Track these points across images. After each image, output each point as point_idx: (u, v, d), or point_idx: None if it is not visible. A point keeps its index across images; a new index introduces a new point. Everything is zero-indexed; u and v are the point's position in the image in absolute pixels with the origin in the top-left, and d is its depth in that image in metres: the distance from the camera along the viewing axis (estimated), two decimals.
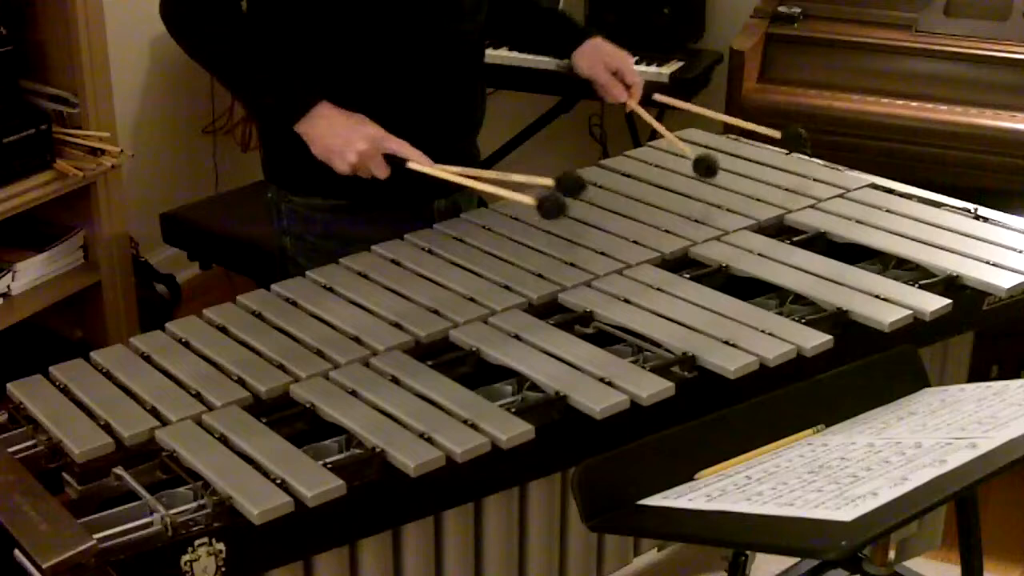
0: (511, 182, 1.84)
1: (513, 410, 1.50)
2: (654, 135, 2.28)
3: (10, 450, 1.46)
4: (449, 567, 1.51)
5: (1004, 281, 1.79)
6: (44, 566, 1.23)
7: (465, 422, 1.46)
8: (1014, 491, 2.84)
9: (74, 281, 3.05)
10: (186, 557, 1.29)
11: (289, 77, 1.89)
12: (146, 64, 3.65)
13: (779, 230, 1.99)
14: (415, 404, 1.50)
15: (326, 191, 2.02)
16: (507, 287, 1.79)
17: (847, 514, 1.13)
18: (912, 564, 2.26)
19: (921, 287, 1.77)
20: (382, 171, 1.84)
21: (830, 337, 1.64)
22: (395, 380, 1.56)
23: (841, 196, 2.09)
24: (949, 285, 1.79)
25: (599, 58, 2.12)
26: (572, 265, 1.85)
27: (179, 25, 1.91)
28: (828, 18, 3.09)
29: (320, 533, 1.38)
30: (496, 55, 3.15)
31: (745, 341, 1.63)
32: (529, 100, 3.36)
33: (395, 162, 1.85)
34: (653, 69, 3.22)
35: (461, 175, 1.87)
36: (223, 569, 1.31)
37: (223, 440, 1.44)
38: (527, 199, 1.80)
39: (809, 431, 1.42)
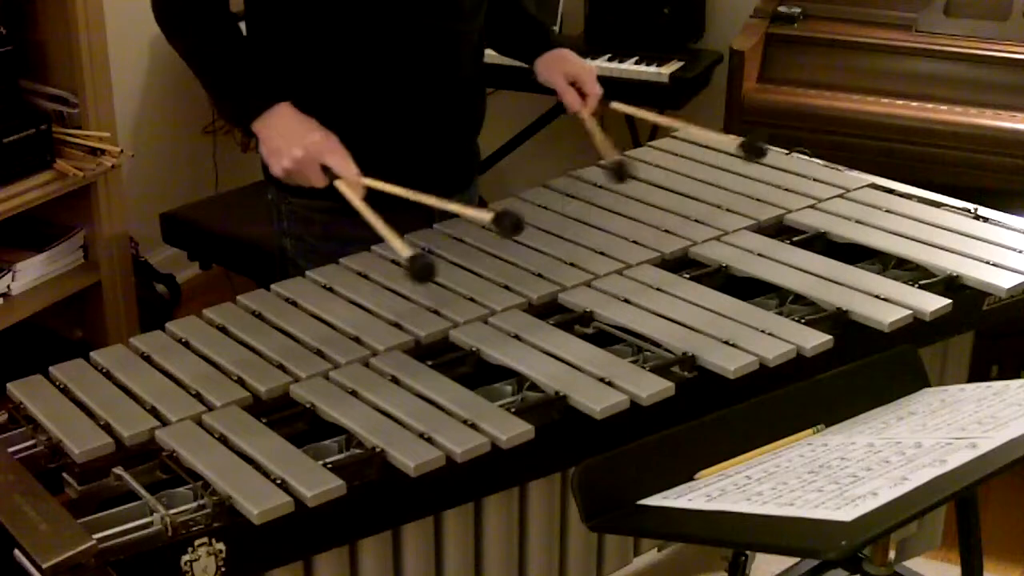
0: (449, 210, 1.75)
1: (513, 410, 1.50)
2: (654, 135, 2.28)
3: (10, 450, 1.46)
4: (449, 567, 1.51)
5: (1004, 281, 1.79)
6: (44, 566, 1.23)
7: (465, 422, 1.46)
8: (1014, 491, 2.84)
9: (74, 281, 3.05)
10: (186, 557, 1.29)
11: (253, 77, 1.88)
12: (146, 64, 3.65)
13: (779, 230, 1.98)
14: (415, 404, 1.50)
15: (326, 192, 2.01)
16: (507, 287, 1.78)
17: (847, 514, 1.13)
18: (912, 564, 2.25)
19: (921, 287, 1.77)
20: (319, 180, 1.80)
21: (830, 337, 1.64)
22: (395, 380, 1.56)
23: (841, 196, 2.09)
24: (949, 285, 1.79)
25: (559, 67, 2.14)
26: (572, 265, 1.85)
27: (164, 22, 1.93)
28: (828, 18, 3.09)
29: (320, 533, 1.38)
30: (496, 55, 3.14)
31: (745, 341, 1.63)
32: (529, 100, 3.35)
33: (331, 175, 1.79)
34: (653, 69, 3.21)
35: (402, 193, 1.74)
36: (223, 569, 1.31)
37: (223, 440, 1.44)
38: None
39: (809, 431, 1.42)
